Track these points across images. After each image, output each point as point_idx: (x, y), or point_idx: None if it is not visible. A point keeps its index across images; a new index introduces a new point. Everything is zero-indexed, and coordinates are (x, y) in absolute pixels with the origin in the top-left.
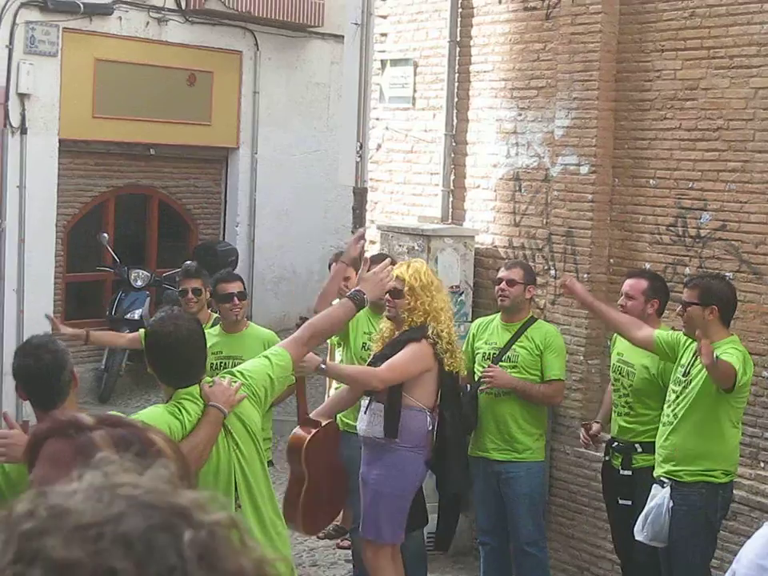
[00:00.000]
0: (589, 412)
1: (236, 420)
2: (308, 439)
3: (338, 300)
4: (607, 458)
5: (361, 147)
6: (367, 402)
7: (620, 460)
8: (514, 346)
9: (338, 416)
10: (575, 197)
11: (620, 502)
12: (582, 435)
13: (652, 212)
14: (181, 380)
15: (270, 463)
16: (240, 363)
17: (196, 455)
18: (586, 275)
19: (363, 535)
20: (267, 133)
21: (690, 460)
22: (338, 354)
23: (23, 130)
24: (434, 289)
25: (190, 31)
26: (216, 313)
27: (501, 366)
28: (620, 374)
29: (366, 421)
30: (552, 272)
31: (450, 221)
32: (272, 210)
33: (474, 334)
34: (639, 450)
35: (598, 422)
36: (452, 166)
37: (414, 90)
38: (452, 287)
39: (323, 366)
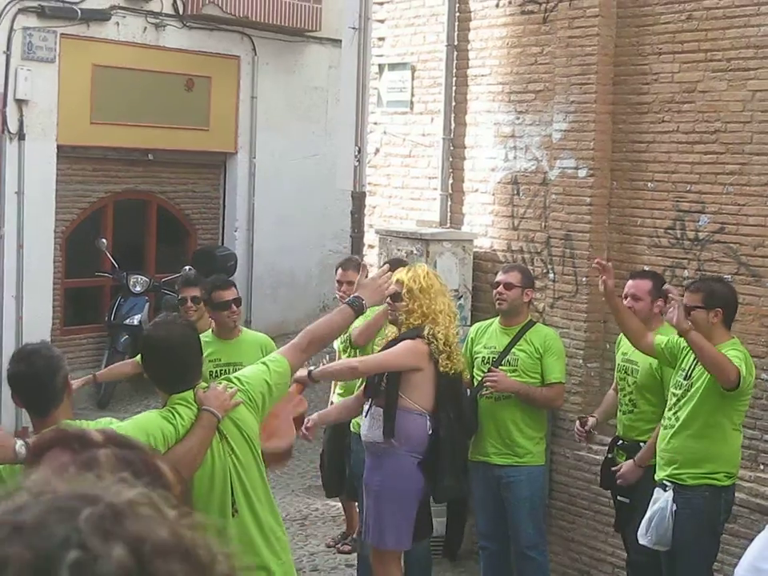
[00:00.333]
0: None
1: (232, 425)
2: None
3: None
4: (610, 455)
5: (359, 151)
6: (368, 406)
7: (624, 458)
8: (513, 350)
9: (353, 420)
10: (573, 200)
11: (618, 498)
12: (576, 428)
13: (650, 215)
14: (175, 385)
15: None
16: (239, 369)
17: (189, 459)
18: (584, 278)
19: (366, 541)
20: (265, 137)
21: (693, 463)
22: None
23: (21, 136)
24: (433, 292)
25: (187, 36)
26: None
27: (500, 369)
28: (625, 372)
29: (366, 425)
30: (551, 275)
31: (448, 225)
32: (270, 214)
33: (472, 339)
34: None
35: (594, 416)
36: (450, 170)
37: (412, 95)
38: (451, 291)
39: (312, 369)
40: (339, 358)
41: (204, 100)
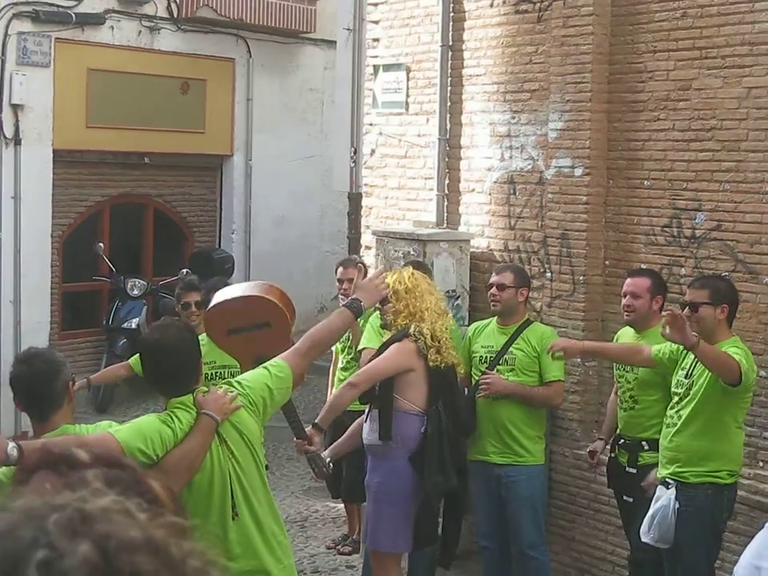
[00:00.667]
0: (587, 414)
1: (232, 429)
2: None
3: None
4: (613, 455)
5: (355, 152)
6: (368, 409)
7: (626, 458)
8: (510, 349)
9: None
10: (570, 199)
11: (624, 498)
12: (587, 460)
13: (647, 213)
14: (172, 389)
15: (266, 467)
16: (235, 371)
17: (187, 463)
18: (581, 277)
19: (364, 542)
20: (261, 139)
21: (696, 461)
22: (341, 361)
23: (17, 141)
24: (419, 291)
25: (182, 39)
26: None
27: (498, 369)
28: (624, 369)
29: (367, 429)
30: (548, 274)
31: (445, 225)
32: (267, 216)
33: (470, 338)
34: (646, 447)
35: (602, 439)
36: (446, 171)
37: (407, 95)
38: (448, 291)
39: (317, 423)
40: (337, 359)
41: (199, 103)
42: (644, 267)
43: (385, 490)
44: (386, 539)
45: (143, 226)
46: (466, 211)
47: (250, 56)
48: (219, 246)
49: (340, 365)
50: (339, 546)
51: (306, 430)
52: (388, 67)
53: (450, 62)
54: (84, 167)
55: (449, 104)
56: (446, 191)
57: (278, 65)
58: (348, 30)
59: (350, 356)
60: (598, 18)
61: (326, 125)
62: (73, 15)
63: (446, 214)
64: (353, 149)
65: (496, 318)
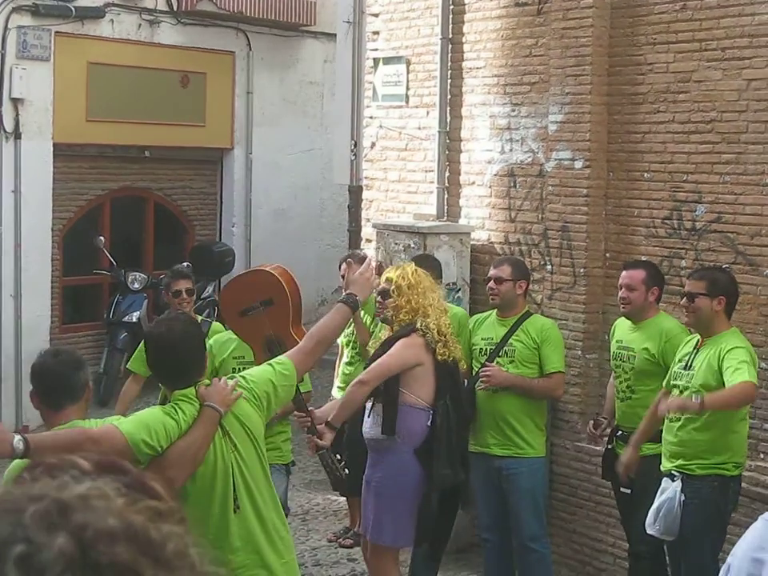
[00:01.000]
0: (588, 406)
1: (234, 421)
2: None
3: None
4: (610, 446)
5: (355, 145)
6: (371, 404)
7: (624, 448)
8: (510, 341)
9: None
10: (570, 192)
11: (621, 490)
12: (589, 428)
13: (647, 205)
14: (177, 381)
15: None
16: None
17: (191, 454)
18: (582, 270)
19: (365, 536)
20: (261, 133)
21: (702, 454)
22: (346, 356)
23: (17, 135)
24: (421, 288)
25: (182, 33)
26: (200, 315)
27: (498, 361)
28: (621, 359)
29: (369, 423)
30: (548, 267)
31: (445, 218)
32: (268, 209)
33: (470, 330)
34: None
35: (605, 418)
36: (446, 163)
37: (407, 88)
38: (449, 284)
39: (330, 421)
40: (342, 352)
41: (200, 96)
42: (641, 259)
43: (387, 485)
44: (388, 533)
45: (143, 219)
46: (466, 204)
47: (250, 49)
48: (220, 240)
49: (345, 359)
50: (340, 539)
51: (321, 428)
52: (388, 60)
53: (450, 54)
54: (84, 161)
55: (449, 97)
56: (447, 184)
57: (278, 58)
58: (348, 22)
59: (355, 350)
60: (598, 11)
61: (327, 118)
62: (72, 9)
63: (446, 207)
64: (353, 142)
65: (496, 310)
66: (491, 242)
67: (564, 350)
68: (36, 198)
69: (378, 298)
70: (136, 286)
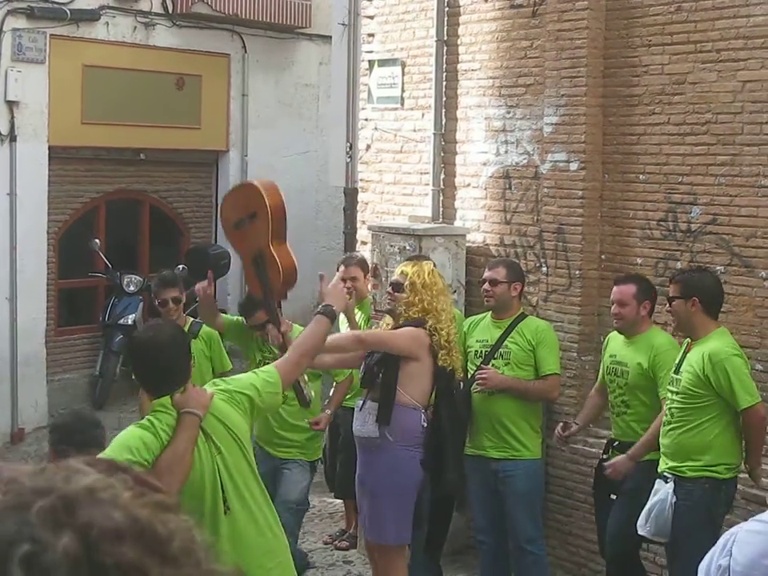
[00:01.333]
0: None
1: (218, 424)
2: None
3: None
4: (606, 456)
5: (350, 148)
6: (362, 401)
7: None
8: (505, 343)
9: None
10: (565, 193)
11: (611, 496)
12: (557, 430)
13: (642, 207)
14: (161, 387)
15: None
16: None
17: (178, 460)
18: (577, 272)
19: (366, 537)
20: (257, 135)
21: (692, 456)
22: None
23: (12, 138)
24: (435, 290)
25: (177, 35)
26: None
27: (493, 363)
28: (614, 374)
29: (360, 420)
30: (544, 269)
31: (440, 220)
32: None
33: (465, 332)
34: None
35: (577, 424)
36: (442, 165)
37: (403, 90)
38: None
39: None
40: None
41: (195, 98)
42: (631, 272)
43: (383, 484)
44: (391, 532)
45: (139, 222)
46: (461, 206)
47: (245, 51)
48: (215, 242)
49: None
50: (336, 542)
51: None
52: (383, 62)
53: (445, 56)
54: (79, 163)
55: (444, 99)
56: (442, 186)
57: (274, 60)
58: (343, 25)
59: None
60: (593, 13)
61: (322, 120)
62: (68, 11)
63: (441, 209)
64: (348, 144)
65: (491, 312)
66: (486, 244)
67: (559, 351)
68: (31, 201)
69: (389, 289)
70: (131, 288)
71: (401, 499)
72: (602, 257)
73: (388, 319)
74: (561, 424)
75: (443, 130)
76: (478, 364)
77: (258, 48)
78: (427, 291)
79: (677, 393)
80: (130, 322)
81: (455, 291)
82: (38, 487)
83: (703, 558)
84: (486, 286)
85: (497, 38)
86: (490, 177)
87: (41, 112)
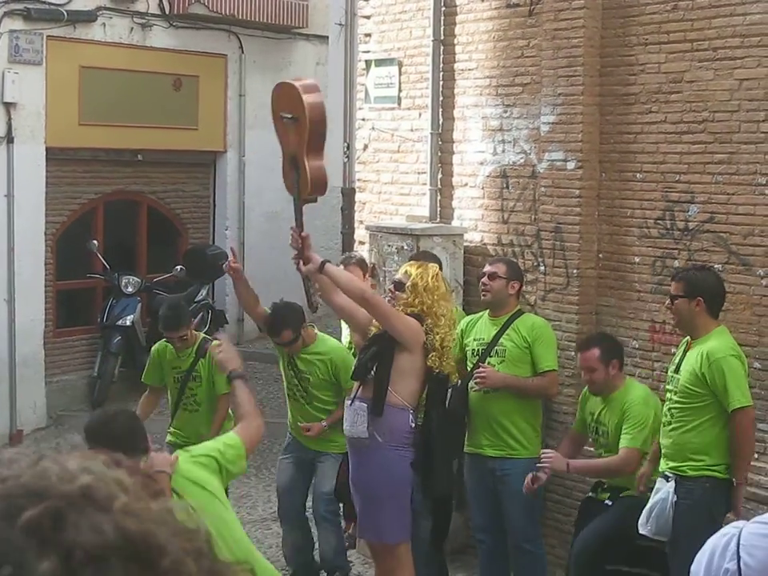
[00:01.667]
0: None
1: (187, 482)
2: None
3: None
4: (592, 495)
5: (348, 148)
6: (350, 401)
7: (607, 496)
8: (501, 340)
9: None
10: (562, 192)
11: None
12: (527, 482)
13: (640, 206)
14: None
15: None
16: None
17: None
18: (575, 270)
19: (362, 537)
20: (254, 135)
21: (693, 456)
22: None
23: (10, 139)
24: (437, 294)
25: (174, 36)
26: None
27: (489, 361)
28: (596, 433)
29: (350, 420)
30: (541, 268)
31: (438, 219)
32: (261, 212)
33: (462, 331)
34: (628, 488)
35: (546, 473)
36: (439, 165)
37: (400, 90)
38: None
39: (325, 264)
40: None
41: (192, 99)
42: (591, 334)
43: (376, 486)
44: (389, 531)
45: (137, 222)
46: (459, 205)
47: (242, 52)
48: (213, 243)
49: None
50: None
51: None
52: (380, 62)
53: (441, 56)
54: (77, 165)
55: (441, 98)
56: (439, 185)
57: (270, 60)
58: (340, 25)
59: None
60: (589, 11)
61: None
62: (64, 13)
63: (439, 209)
64: (346, 144)
65: (488, 311)
66: (484, 244)
67: (557, 349)
68: (29, 202)
69: (391, 287)
70: (129, 289)
71: (395, 499)
72: (600, 256)
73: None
74: (530, 475)
75: (440, 130)
76: (475, 362)
77: (255, 48)
78: (428, 294)
79: (675, 392)
80: (128, 323)
81: (453, 291)
82: (32, 487)
83: None
84: (485, 279)
85: (493, 38)
86: (488, 176)
87: (38, 113)
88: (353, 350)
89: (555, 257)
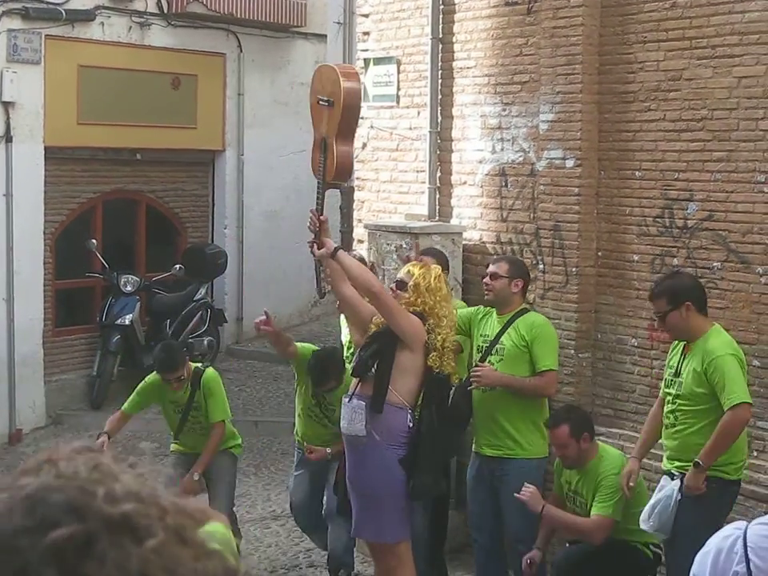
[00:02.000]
0: (581, 405)
1: None
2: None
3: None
4: (568, 545)
5: None
6: (348, 398)
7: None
8: (501, 338)
9: None
10: (561, 191)
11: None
12: (524, 568)
13: (639, 204)
14: None
15: None
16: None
17: None
18: (574, 269)
19: (359, 536)
20: (253, 134)
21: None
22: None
23: (8, 139)
24: (439, 296)
25: (172, 35)
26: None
27: (489, 359)
28: (572, 503)
29: (347, 418)
30: (540, 266)
31: (437, 218)
32: (260, 211)
33: (471, 319)
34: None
35: (539, 548)
36: (438, 163)
37: (398, 88)
38: None
39: (338, 250)
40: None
41: (191, 98)
42: (559, 408)
43: (374, 486)
44: (389, 530)
45: (136, 222)
46: (457, 204)
47: (241, 51)
48: (212, 242)
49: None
50: None
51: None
52: (379, 60)
53: (440, 54)
54: (76, 164)
55: (440, 97)
56: (438, 184)
57: (269, 59)
58: (338, 23)
59: (350, 351)
60: (588, 9)
61: None
62: (63, 12)
63: (437, 207)
64: None
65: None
66: (483, 242)
67: (556, 346)
68: (28, 202)
69: (393, 286)
70: (128, 288)
71: (394, 497)
72: (599, 254)
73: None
74: (527, 560)
75: (439, 128)
76: (477, 360)
77: (254, 47)
78: (430, 295)
79: (678, 396)
80: (127, 323)
81: (452, 289)
82: (74, 502)
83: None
84: (487, 279)
85: (492, 36)
86: (486, 174)
87: (36, 113)
88: (351, 348)
89: (554, 255)
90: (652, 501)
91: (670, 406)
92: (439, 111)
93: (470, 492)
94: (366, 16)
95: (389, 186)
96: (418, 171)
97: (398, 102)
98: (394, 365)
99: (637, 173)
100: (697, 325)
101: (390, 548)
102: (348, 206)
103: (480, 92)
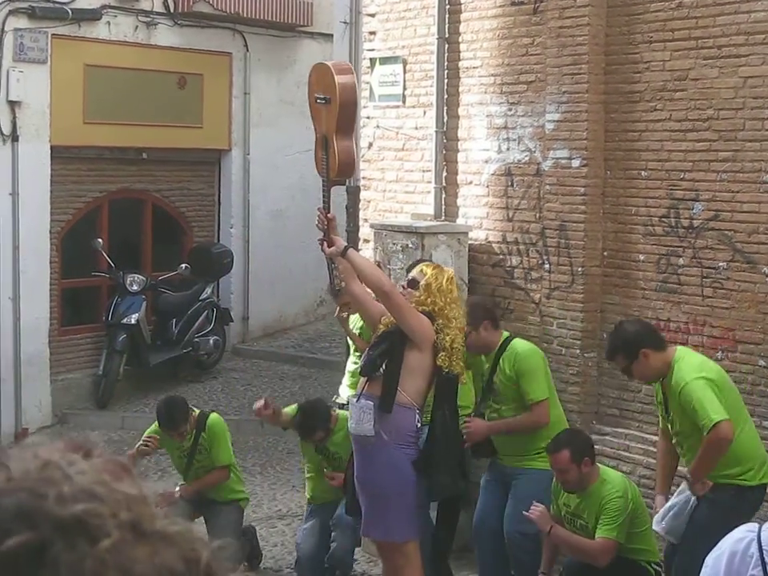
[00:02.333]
0: (586, 405)
1: None
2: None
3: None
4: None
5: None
6: (356, 398)
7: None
8: (494, 379)
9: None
10: (567, 190)
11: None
12: None
13: (644, 203)
14: None
15: None
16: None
17: None
18: (580, 268)
19: (367, 536)
20: (259, 134)
21: (720, 471)
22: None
23: (14, 138)
24: (450, 298)
25: (179, 34)
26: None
27: (491, 404)
28: (573, 525)
29: (355, 418)
30: (546, 266)
31: (443, 218)
32: (266, 210)
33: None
34: None
35: (544, 574)
36: (444, 163)
37: (404, 88)
38: None
39: (348, 249)
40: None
41: (197, 97)
42: (558, 435)
43: (382, 485)
44: (396, 529)
45: (142, 221)
46: (463, 203)
47: (247, 50)
48: (218, 241)
49: (351, 359)
50: None
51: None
52: (385, 60)
53: (446, 54)
54: (82, 163)
55: (446, 96)
56: (444, 184)
57: (275, 59)
58: (345, 23)
59: (357, 354)
60: (594, 9)
61: None
62: (69, 11)
63: (443, 207)
64: None
65: None
66: (489, 242)
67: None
68: (34, 201)
69: (404, 284)
70: (134, 287)
71: (402, 497)
72: (605, 253)
73: (390, 318)
74: None
75: (445, 128)
76: (477, 401)
77: (260, 47)
78: (441, 296)
79: (678, 433)
80: (133, 322)
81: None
82: (25, 508)
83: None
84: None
85: (498, 36)
86: (492, 174)
87: (43, 112)
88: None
89: (560, 255)
90: (669, 503)
91: (674, 438)
92: (445, 111)
93: (483, 487)
94: (373, 15)
95: (395, 186)
96: (423, 171)
97: (404, 102)
98: (403, 364)
99: (643, 172)
100: (662, 363)
101: (398, 547)
102: (354, 206)
103: (486, 92)
